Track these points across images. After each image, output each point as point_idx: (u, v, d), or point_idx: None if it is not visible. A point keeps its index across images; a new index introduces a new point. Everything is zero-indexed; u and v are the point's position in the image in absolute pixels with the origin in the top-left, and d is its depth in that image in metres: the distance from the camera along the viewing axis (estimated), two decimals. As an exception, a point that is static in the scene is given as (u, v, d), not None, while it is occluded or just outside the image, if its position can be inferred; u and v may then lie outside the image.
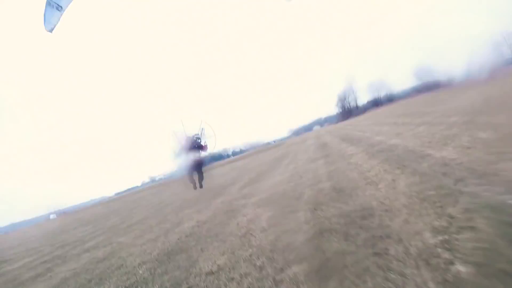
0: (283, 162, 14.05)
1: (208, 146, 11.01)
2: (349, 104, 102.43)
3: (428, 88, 62.44)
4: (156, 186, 42.89)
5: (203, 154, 11.10)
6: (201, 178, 11.19)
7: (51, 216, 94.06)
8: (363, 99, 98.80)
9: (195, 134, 10.77)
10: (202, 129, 10.82)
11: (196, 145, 10.73)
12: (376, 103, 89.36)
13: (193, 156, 10.78)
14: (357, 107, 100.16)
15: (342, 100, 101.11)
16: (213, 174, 22.76)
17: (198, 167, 11.09)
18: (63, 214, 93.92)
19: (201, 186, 11.22)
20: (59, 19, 6.42)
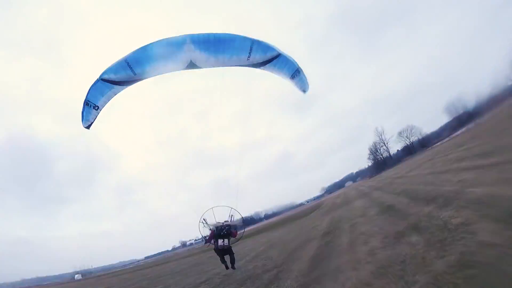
0: (342, 240, 9.72)
1: (237, 232, 10.90)
2: (382, 155, 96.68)
3: (461, 122, 56.47)
4: (185, 257, 37.97)
5: (232, 240, 10.86)
6: (232, 260, 10.99)
7: (76, 277, 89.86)
8: (393, 148, 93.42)
9: (225, 221, 10.74)
10: (232, 215, 10.79)
11: (226, 232, 10.55)
12: (409, 151, 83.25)
13: (221, 242, 10.46)
14: (390, 157, 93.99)
15: (374, 152, 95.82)
16: (246, 250, 18.30)
17: (228, 251, 10.78)
18: (88, 276, 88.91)
19: (233, 268, 11.04)
20: (96, 117, 6.68)
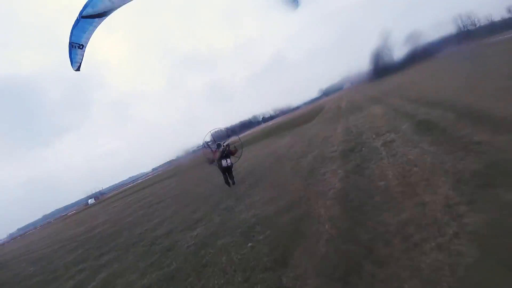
0: (383, 171, 6.94)
1: (237, 151, 11.89)
2: (384, 60, 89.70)
3: (463, 37, 48.56)
4: (187, 169, 37.36)
5: (233, 159, 11.88)
6: (232, 178, 11.91)
7: (90, 201, 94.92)
8: (397, 54, 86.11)
9: (223, 142, 12.01)
10: (229, 136, 12.71)
11: (226, 152, 11.56)
12: (414, 58, 76.65)
13: (225, 162, 11.49)
14: (393, 63, 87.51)
15: (377, 55, 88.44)
16: (246, 165, 16.29)
17: (229, 170, 11.75)
18: (101, 197, 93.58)
19: (233, 183, 11.85)
20: (83, 56, 6.75)
